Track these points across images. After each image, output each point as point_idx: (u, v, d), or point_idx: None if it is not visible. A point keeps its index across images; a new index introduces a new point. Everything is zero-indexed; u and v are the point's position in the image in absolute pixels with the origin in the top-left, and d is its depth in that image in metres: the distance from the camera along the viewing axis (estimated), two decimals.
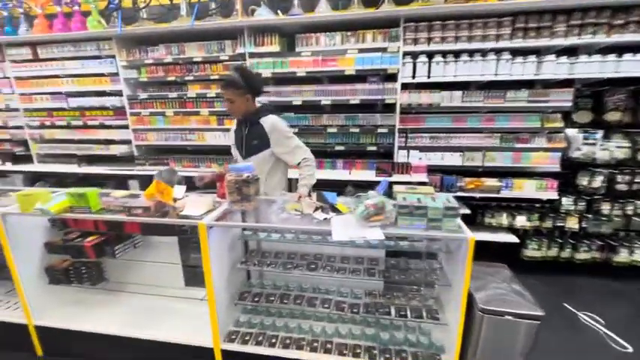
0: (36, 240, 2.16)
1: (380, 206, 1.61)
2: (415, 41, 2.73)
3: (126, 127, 3.45)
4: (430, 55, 2.76)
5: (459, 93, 2.80)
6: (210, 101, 3.22)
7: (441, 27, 2.66)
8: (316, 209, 1.82)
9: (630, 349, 2.21)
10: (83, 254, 2.12)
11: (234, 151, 2.35)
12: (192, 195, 1.99)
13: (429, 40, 2.72)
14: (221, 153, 3.36)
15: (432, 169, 3.00)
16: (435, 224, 1.58)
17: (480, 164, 2.91)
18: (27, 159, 3.83)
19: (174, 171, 3.17)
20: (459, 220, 1.60)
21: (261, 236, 2.03)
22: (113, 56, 3.24)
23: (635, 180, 2.80)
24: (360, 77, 2.96)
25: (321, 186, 3.43)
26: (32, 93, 3.54)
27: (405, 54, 2.78)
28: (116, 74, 3.29)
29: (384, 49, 2.77)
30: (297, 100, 3.01)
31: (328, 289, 2.10)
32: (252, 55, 2.97)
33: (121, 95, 3.35)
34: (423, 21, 2.68)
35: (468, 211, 2.93)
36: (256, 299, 2.02)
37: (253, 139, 2.16)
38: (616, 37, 2.48)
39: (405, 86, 2.88)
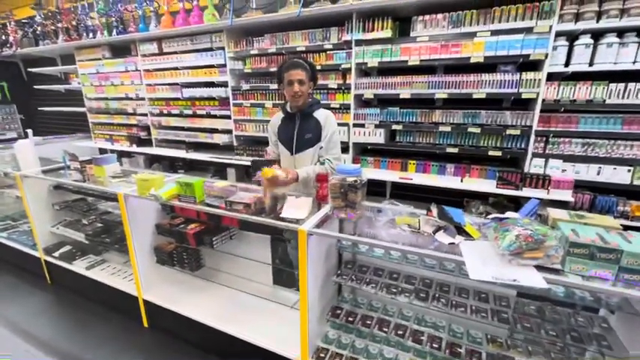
0: (149, 220, 2.31)
1: (539, 239, 1.17)
2: (577, 17, 2.08)
3: (228, 117, 3.57)
4: (597, 34, 2.08)
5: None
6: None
7: None
8: (437, 229, 1.46)
9: None
10: (185, 240, 2.18)
11: (275, 147, 2.19)
12: (291, 197, 1.82)
13: (599, 14, 2.03)
14: None
15: (578, 186, 2.31)
16: (631, 276, 1.08)
17: None
18: (148, 142, 4.33)
19: (270, 163, 3.16)
20: None
21: (362, 249, 1.77)
22: (223, 48, 3.34)
23: None
24: (488, 66, 2.41)
25: (421, 192, 3.04)
26: (155, 84, 3.94)
27: (558, 35, 2.15)
28: (224, 65, 3.39)
29: (528, 30, 2.18)
30: (405, 93, 2.64)
31: (436, 324, 1.73)
32: (359, 42, 2.69)
33: (227, 86, 3.46)
34: None
35: None
36: (350, 319, 1.78)
37: (306, 133, 2.01)
38: None
39: (551, 77, 2.25)
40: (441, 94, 2.52)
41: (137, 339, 2.27)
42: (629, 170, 2.16)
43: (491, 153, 2.48)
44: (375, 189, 3.26)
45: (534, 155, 2.38)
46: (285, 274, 2.26)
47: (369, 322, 1.75)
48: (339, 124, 2.94)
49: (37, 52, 4.83)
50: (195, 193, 1.86)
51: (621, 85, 2.08)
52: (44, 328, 2.36)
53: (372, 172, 2.90)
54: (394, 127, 2.76)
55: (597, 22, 2.04)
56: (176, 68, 3.72)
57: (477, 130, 2.48)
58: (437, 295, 1.63)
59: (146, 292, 2.30)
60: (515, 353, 1.51)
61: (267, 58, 3.19)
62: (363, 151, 3.14)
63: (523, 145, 2.40)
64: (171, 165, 4.37)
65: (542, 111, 2.28)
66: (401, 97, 2.66)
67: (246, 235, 2.33)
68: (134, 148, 4.36)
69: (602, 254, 1.10)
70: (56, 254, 2.77)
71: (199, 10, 3.36)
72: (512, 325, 1.47)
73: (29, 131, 3.23)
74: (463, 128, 2.52)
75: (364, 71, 2.88)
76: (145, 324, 2.37)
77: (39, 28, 4.63)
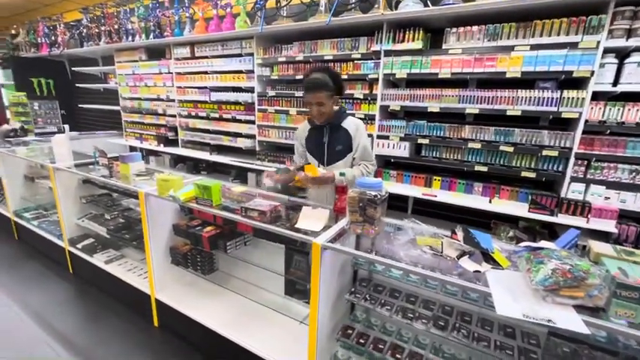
0: (167, 220, 2.33)
1: (580, 276, 1.04)
2: (629, 33, 1.91)
3: (253, 122, 3.60)
4: None
5: None
6: None
7: None
8: (462, 254, 1.35)
9: None
10: (200, 243, 2.17)
11: (302, 158, 2.16)
12: (307, 207, 1.77)
13: None
14: None
15: (622, 216, 2.10)
16: None
17: None
18: (175, 143, 4.45)
19: (288, 170, 3.14)
20: None
21: (378, 268, 1.68)
22: (252, 54, 3.39)
23: None
24: (524, 82, 2.28)
25: (445, 210, 2.89)
26: (186, 87, 4.05)
27: (606, 51, 1.98)
28: (252, 71, 3.44)
29: (572, 45, 2.03)
30: (433, 107, 2.53)
31: (455, 356, 1.59)
32: (388, 52, 2.63)
33: (253, 92, 3.49)
34: None
35: None
36: (362, 340, 1.68)
37: (337, 145, 1.99)
38: None
39: (596, 96, 2.08)
40: (472, 109, 2.40)
41: (146, 338, 2.27)
42: None
43: (524, 174, 2.31)
44: (396, 203, 3.15)
45: (573, 179, 2.19)
46: (298, 285, 2.19)
47: (381, 345, 1.64)
48: None
49: (81, 52, 5.14)
50: (212, 197, 1.85)
51: None
52: (61, 319, 2.42)
53: (394, 186, 2.80)
54: (420, 140, 2.65)
55: None
56: (206, 72, 3.82)
57: (510, 149, 2.33)
58: (457, 325, 1.50)
59: (159, 292, 2.31)
60: None
61: (295, 65, 3.19)
62: (386, 163, 3.05)
63: (561, 168, 2.22)
64: (195, 166, 4.45)
65: (584, 132, 2.11)
66: (429, 110, 2.56)
67: (260, 242, 2.29)
68: (161, 148, 4.49)
69: None
70: (79, 246, 2.86)
71: (232, 17, 3.44)
72: None
73: (65, 126, 3.41)
74: (494, 146, 2.38)
75: (392, 82, 2.81)
76: (155, 323, 2.37)
77: (85, 31, 4.92)
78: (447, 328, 1.48)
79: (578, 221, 2.11)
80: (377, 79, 2.73)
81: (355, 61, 2.84)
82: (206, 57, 3.77)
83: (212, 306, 2.18)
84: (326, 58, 2.95)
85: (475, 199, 2.51)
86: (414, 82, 2.67)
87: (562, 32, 2.07)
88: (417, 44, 2.50)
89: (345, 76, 2.90)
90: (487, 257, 1.33)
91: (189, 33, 3.76)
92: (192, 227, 2.22)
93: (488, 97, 2.34)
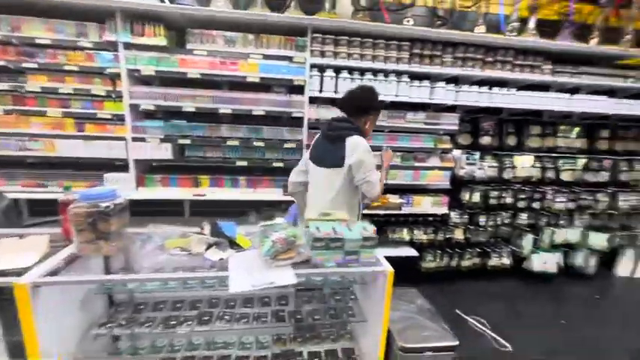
0: None
1: (290, 241, 1.33)
2: (322, 54, 2.61)
3: None
4: (337, 69, 2.68)
5: None
6: (65, 99, 2.43)
7: (347, 42, 2.61)
8: (209, 246, 1.43)
9: (510, 348, 2.47)
10: None
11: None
12: (12, 238, 1.33)
13: (336, 54, 2.63)
14: (79, 167, 2.57)
15: None
16: (351, 257, 1.39)
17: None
18: None
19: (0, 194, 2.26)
20: (376, 251, 1.45)
21: (130, 286, 1.50)
22: None
23: (502, 195, 3.28)
24: (265, 86, 2.67)
25: (220, 207, 2.98)
26: None
27: (313, 66, 2.63)
28: None
29: (290, 58, 2.55)
30: (189, 106, 2.52)
31: (227, 342, 1.69)
32: (129, 45, 2.36)
33: None
34: (330, 34, 2.58)
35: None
36: None
37: None
38: (488, 72, 2.86)
39: (313, 100, 2.72)
40: (225, 109, 2.56)
41: None
42: None
43: (275, 164, 2.74)
44: (173, 209, 2.98)
45: None
46: None
47: None
48: (113, 138, 2.51)
49: None
50: None
51: None
52: None
53: (160, 191, 2.61)
54: (181, 141, 2.59)
55: (335, 59, 2.63)
56: None
57: (262, 144, 2.68)
58: (222, 314, 1.58)
59: None
60: (295, 345, 1.68)
61: None
62: (150, 168, 2.79)
63: (298, 157, 2.78)
64: None
65: (309, 128, 2.73)
66: (185, 110, 2.53)
67: None
68: None
69: (333, 244, 1.36)
70: None
71: None
72: (288, 321, 1.62)
73: None
74: (249, 142, 2.67)
75: (140, 79, 2.56)
76: None
77: None
78: (212, 321, 1.53)
79: None
80: (119, 75, 2.40)
81: (87, 51, 2.37)
82: None
83: None
84: (39, 41, 2.29)
85: (242, 192, 2.75)
86: (167, 80, 2.55)
87: (283, 47, 2.55)
88: (161, 40, 2.38)
89: (75, 68, 2.38)
90: (232, 243, 1.47)
91: None
92: None
93: (237, 98, 2.58)
